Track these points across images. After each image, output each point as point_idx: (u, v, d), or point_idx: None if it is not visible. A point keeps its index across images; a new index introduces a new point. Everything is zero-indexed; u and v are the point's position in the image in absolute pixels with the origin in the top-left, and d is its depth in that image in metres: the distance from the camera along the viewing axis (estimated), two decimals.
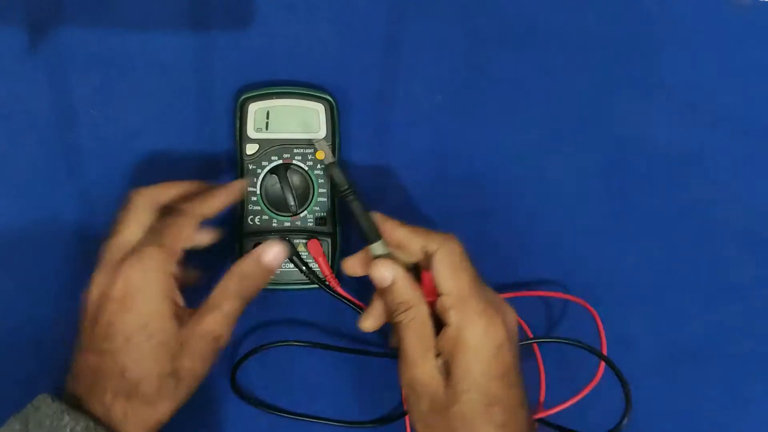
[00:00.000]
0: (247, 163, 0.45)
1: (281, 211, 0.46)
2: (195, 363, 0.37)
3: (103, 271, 0.38)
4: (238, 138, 0.45)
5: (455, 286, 0.37)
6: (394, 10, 0.44)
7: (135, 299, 0.36)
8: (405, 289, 0.38)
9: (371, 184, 0.47)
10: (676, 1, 0.46)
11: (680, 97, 0.46)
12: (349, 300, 0.46)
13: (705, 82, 0.46)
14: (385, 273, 0.38)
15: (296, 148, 0.45)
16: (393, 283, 0.38)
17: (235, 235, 0.46)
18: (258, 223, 0.46)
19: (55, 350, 0.45)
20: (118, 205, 0.45)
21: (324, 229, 0.47)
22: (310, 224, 0.46)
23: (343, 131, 0.46)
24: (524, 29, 0.45)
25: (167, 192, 0.41)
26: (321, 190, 0.46)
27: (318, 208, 0.46)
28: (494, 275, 0.43)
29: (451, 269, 0.37)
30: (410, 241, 0.39)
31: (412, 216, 0.48)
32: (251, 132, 0.45)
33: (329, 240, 0.46)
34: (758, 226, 0.48)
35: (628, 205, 0.48)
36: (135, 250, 0.37)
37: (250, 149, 0.45)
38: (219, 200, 0.41)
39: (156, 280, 0.37)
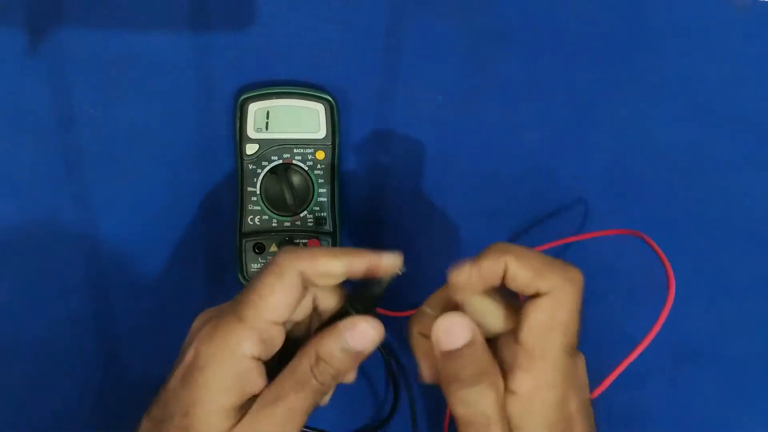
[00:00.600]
0: (247, 163, 0.45)
1: (281, 211, 0.46)
2: None
3: (190, 334, 0.33)
4: (238, 138, 0.45)
5: (543, 347, 0.29)
6: (394, 10, 0.44)
7: (194, 377, 0.30)
8: (482, 355, 0.30)
9: (371, 184, 0.47)
10: (677, 0, 0.46)
11: (682, 97, 0.46)
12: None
13: (707, 81, 0.46)
14: (457, 332, 0.30)
15: (296, 148, 0.45)
16: (465, 347, 0.30)
17: (234, 235, 0.46)
18: (258, 223, 0.46)
19: (55, 352, 0.46)
20: (118, 205, 0.45)
21: (324, 228, 0.46)
22: (310, 224, 0.46)
23: (343, 131, 0.46)
24: (525, 29, 0.45)
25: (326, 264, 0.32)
26: (321, 190, 0.46)
27: (318, 208, 0.46)
28: None
29: (549, 324, 0.29)
30: (518, 274, 0.29)
31: (412, 215, 0.48)
32: (251, 132, 0.45)
33: (329, 240, 0.46)
34: (761, 226, 0.48)
35: (629, 204, 0.48)
36: (214, 318, 0.31)
37: (250, 149, 0.45)
38: (338, 263, 0.32)
39: (224, 362, 0.30)
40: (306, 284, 0.31)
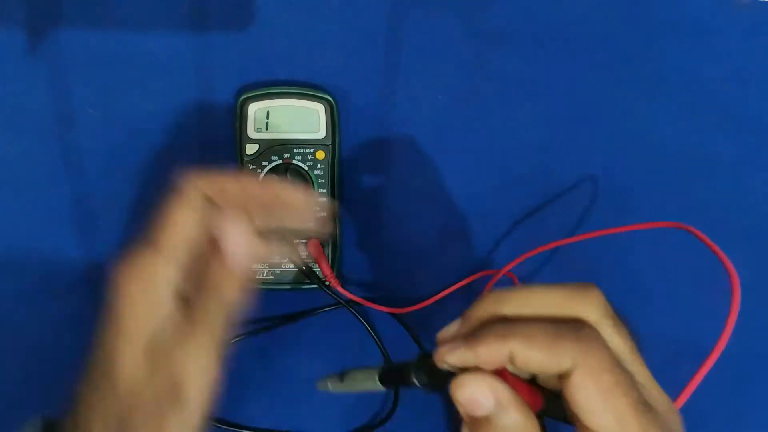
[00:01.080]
0: (247, 163, 0.45)
1: None
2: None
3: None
4: (238, 138, 0.45)
5: (614, 420, 0.24)
6: (394, 10, 0.44)
7: (117, 318, 0.30)
8: (517, 424, 0.25)
9: (371, 184, 0.48)
10: (677, 0, 0.46)
11: (683, 96, 0.46)
12: (348, 300, 0.46)
13: (708, 80, 0.46)
14: (478, 395, 0.25)
15: (296, 148, 0.45)
16: (497, 413, 0.25)
17: None
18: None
19: (55, 352, 0.46)
20: (118, 206, 0.45)
21: (324, 228, 0.47)
22: (311, 224, 0.46)
23: (343, 131, 0.46)
24: (525, 28, 0.45)
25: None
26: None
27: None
28: None
29: (601, 395, 0.24)
30: (529, 359, 0.25)
31: (412, 215, 0.48)
32: (251, 132, 0.45)
33: (330, 240, 0.46)
34: (762, 225, 0.48)
35: (630, 204, 0.48)
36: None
37: (250, 149, 0.45)
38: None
39: (146, 293, 0.30)
40: (210, 203, 0.31)
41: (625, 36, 0.46)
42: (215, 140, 0.45)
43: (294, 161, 0.45)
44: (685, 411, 0.47)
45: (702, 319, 0.48)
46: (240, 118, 0.44)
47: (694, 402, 0.47)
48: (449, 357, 0.26)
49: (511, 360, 0.25)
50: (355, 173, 0.47)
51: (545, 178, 0.47)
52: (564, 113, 0.46)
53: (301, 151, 0.45)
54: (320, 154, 0.45)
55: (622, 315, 0.27)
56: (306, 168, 0.45)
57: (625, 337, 0.27)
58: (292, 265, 0.46)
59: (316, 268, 0.46)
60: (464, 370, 0.26)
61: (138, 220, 0.47)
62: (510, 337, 0.25)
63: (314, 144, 0.45)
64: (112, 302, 0.30)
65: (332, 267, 0.47)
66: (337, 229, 0.47)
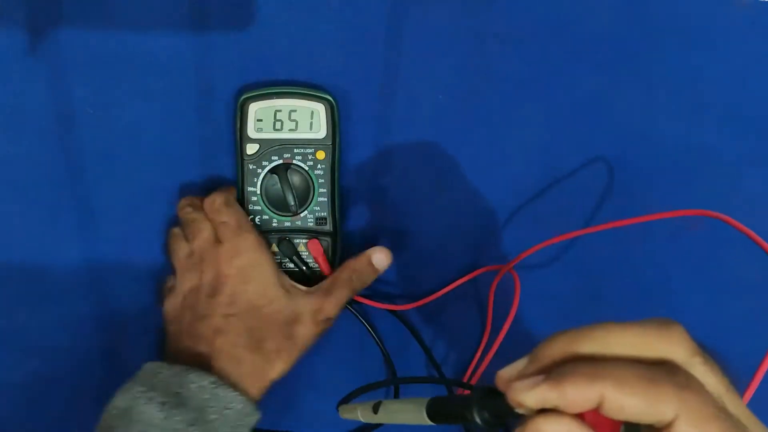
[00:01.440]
0: (248, 163, 0.45)
1: (281, 211, 0.46)
2: (308, 333, 0.43)
3: (185, 268, 0.44)
4: (238, 138, 0.45)
5: None
6: (394, 10, 0.44)
7: (251, 273, 0.43)
8: None
9: (371, 184, 0.48)
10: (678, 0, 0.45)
11: (684, 95, 0.46)
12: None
13: (709, 79, 0.46)
14: None
15: (296, 148, 0.45)
16: None
17: None
18: (258, 223, 0.46)
19: (55, 352, 0.47)
20: (117, 205, 0.45)
21: (324, 228, 0.47)
22: (311, 224, 0.46)
23: (343, 131, 0.46)
24: (525, 28, 0.45)
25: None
26: (321, 190, 0.46)
27: (318, 208, 0.46)
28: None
29: None
30: (625, 406, 0.22)
31: (412, 215, 0.48)
32: (251, 132, 0.45)
33: (329, 239, 0.46)
34: (763, 223, 0.46)
35: (632, 202, 0.48)
36: (232, 236, 0.43)
37: (251, 149, 0.45)
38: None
39: (266, 256, 0.43)
40: None
41: (626, 36, 0.46)
42: (215, 140, 0.46)
43: (294, 161, 0.45)
44: None
45: (717, 320, 0.49)
46: (240, 118, 0.44)
47: None
48: (528, 396, 0.23)
49: (600, 404, 0.22)
50: (355, 173, 0.47)
51: (545, 178, 0.47)
52: (564, 113, 0.47)
53: (302, 151, 0.45)
54: (320, 154, 0.45)
55: (710, 351, 0.26)
56: (306, 168, 0.45)
57: (719, 376, 0.25)
58: (292, 265, 0.47)
59: (317, 268, 0.47)
60: (539, 411, 0.24)
61: (138, 220, 0.47)
62: (600, 378, 0.22)
63: (314, 144, 0.45)
64: (222, 267, 0.43)
65: (332, 266, 0.47)
66: (337, 228, 0.47)
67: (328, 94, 0.45)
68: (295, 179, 0.46)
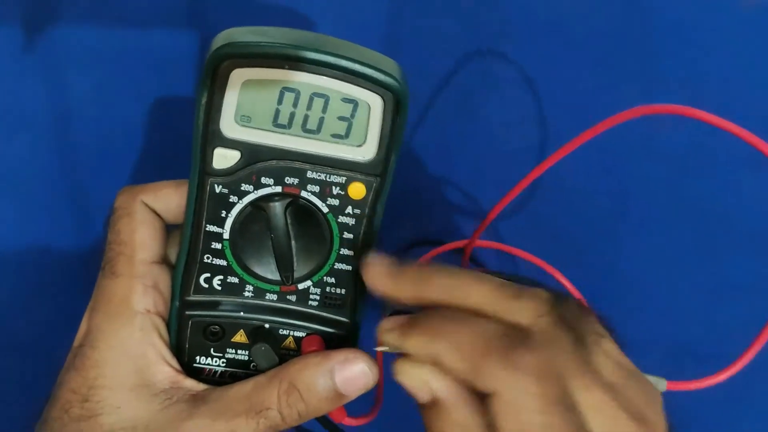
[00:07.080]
0: (213, 183, 0.23)
1: (264, 275, 0.25)
2: None
3: None
4: (199, 134, 0.22)
5: None
6: (394, 10, 0.45)
7: (87, 355, 0.28)
8: (461, 417, 0.23)
9: None
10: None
11: (684, 95, 0.48)
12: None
13: (708, 79, 0.48)
14: (410, 387, 0.23)
15: (314, 169, 0.23)
16: (439, 403, 0.23)
17: (172, 301, 0.25)
18: (217, 289, 0.25)
19: (55, 352, 0.43)
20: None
21: (336, 315, 0.26)
22: (314, 305, 0.26)
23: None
24: (525, 28, 0.46)
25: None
26: (344, 252, 0.25)
27: (333, 280, 0.25)
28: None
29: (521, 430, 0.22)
30: (452, 367, 0.23)
31: (412, 215, 0.48)
32: (228, 126, 0.23)
33: (343, 333, 0.26)
34: (761, 225, 0.50)
35: (629, 203, 0.49)
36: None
37: (223, 158, 0.23)
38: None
39: (118, 327, 0.27)
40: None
41: (626, 35, 0.47)
42: None
43: (304, 193, 0.24)
44: (685, 410, 0.45)
45: (696, 320, 0.51)
46: (209, 97, 0.22)
47: (694, 402, 0.45)
48: (386, 338, 0.24)
49: (438, 362, 0.23)
50: None
51: (545, 177, 0.45)
52: (564, 113, 0.47)
53: (323, 177, 0.24)
54: (357, 189, 0.24)
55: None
56: (325, 209, 0.24)
57: (578, 343, 0.23)
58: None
59: None
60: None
61: None
62: (440, 338, 0.23)
63: (351, 167, 0.24)
64: (81, 336, 0.29)
65: None
66: (358, 320, 0.27)
67: (397, 81, 0.22)
68: (301, 225, 0.24)
